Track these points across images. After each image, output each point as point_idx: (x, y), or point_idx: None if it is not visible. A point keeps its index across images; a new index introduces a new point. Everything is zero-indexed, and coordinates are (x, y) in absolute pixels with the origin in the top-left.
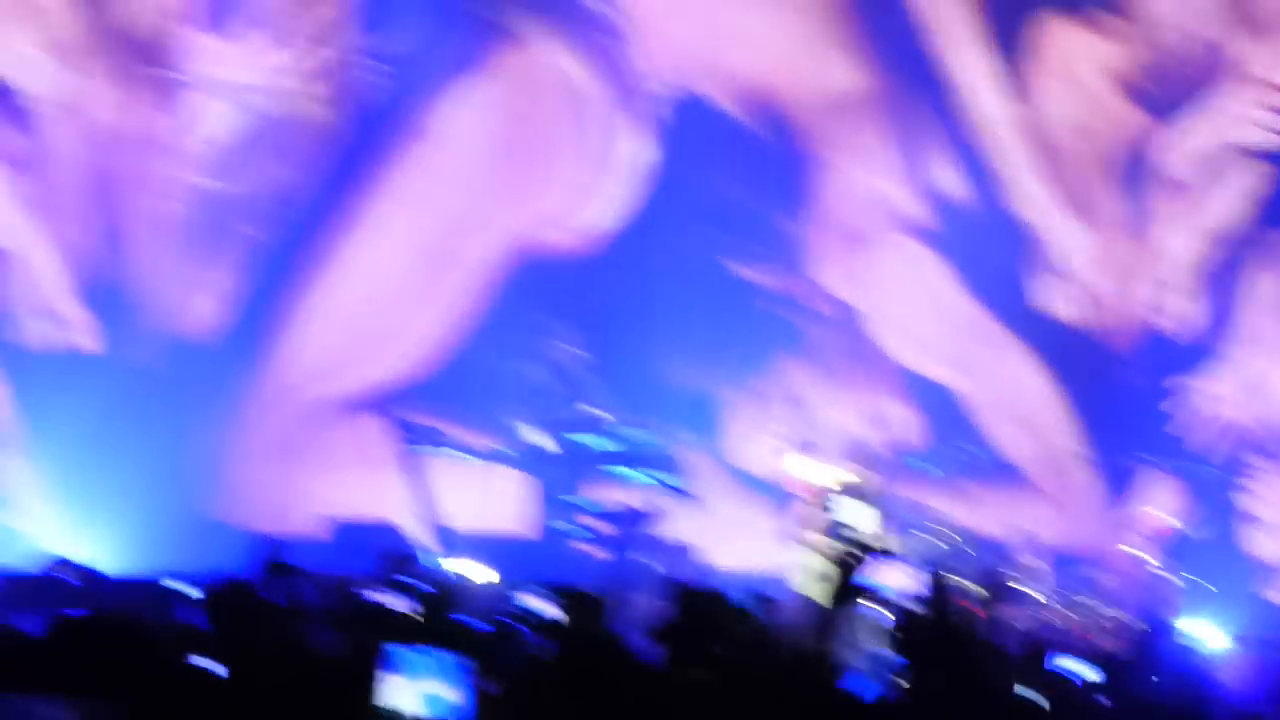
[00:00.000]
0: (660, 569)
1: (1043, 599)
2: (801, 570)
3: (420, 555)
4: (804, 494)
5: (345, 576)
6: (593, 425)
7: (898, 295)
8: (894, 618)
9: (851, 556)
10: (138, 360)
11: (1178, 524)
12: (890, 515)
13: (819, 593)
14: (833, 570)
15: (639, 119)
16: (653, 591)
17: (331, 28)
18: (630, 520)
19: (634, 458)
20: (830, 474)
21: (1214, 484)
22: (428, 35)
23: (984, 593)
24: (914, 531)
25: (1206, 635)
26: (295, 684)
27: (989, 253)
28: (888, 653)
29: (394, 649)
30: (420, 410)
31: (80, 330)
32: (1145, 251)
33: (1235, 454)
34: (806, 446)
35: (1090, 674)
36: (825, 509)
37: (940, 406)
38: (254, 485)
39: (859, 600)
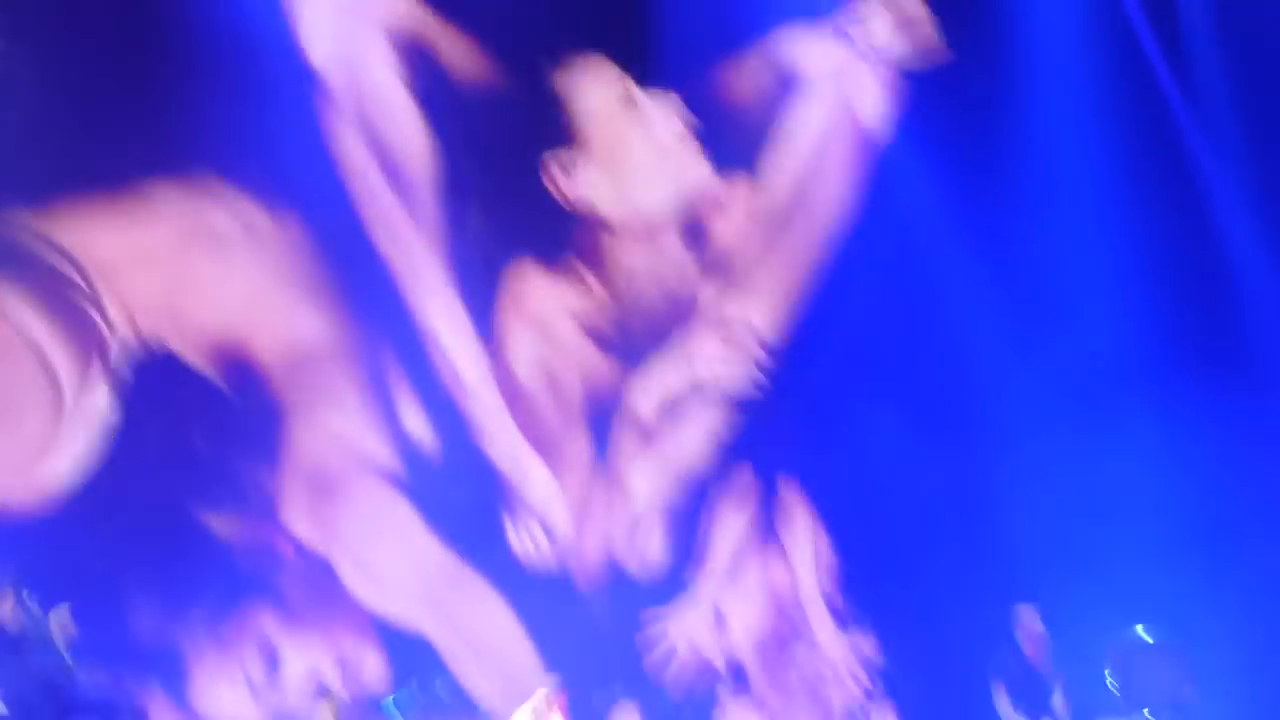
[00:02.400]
0: None
1: None
2: None
3: None
4: None
5: None
6: (55, 675)
7: (367, 540)
8: None
9: None
10: None
11: None
12: None
13: None
14: None
15: (103, 373)
16: None
17: None
18: None
19: (97, 708)
20: None
21: (681, 715)
22: None
23: None
24: None
25: None
26: None
27: (458, 496)
28: None
29: None
30: None
31: None
32: (612, 492)
33: (701, 686)
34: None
35: None
36: None
37: (410, 650)
38: None
39: None
